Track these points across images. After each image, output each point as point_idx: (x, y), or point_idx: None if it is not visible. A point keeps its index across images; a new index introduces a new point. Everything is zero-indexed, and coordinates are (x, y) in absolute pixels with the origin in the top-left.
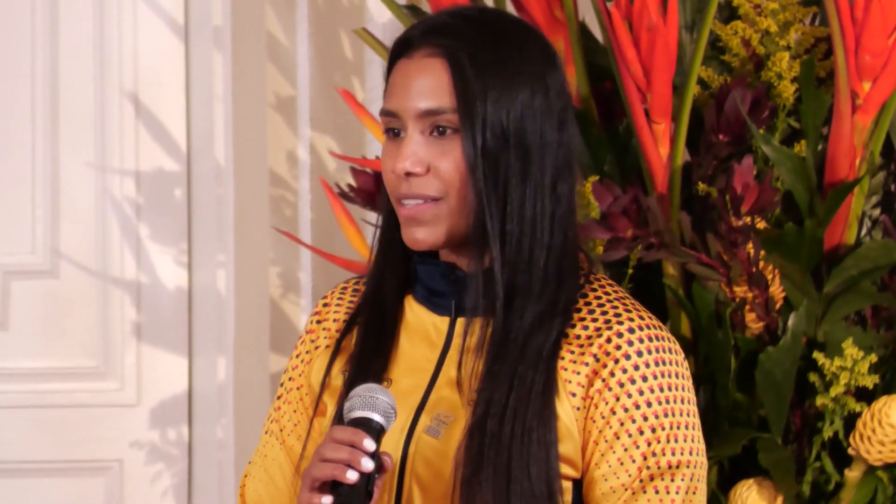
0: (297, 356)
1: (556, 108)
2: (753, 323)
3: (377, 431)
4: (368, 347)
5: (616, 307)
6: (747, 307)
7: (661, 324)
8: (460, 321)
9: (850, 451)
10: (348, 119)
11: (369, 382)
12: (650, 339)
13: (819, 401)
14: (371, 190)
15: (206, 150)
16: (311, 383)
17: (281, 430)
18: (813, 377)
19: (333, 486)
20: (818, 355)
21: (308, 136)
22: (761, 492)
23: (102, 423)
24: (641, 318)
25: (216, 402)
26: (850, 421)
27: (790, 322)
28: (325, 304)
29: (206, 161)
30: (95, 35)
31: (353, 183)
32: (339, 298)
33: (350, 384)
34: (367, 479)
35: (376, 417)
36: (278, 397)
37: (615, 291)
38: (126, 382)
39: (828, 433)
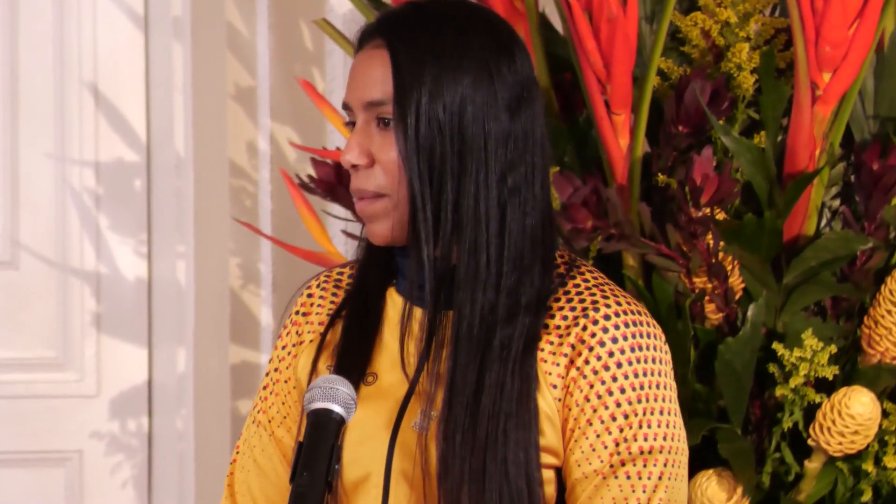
0: (283, 348)
1: (506, 98)
2: (713, 314)
3: (337, 423)
4: (352, 342)
5: (594, 294)
6: (707, 298)
7: (642, 309)
8: (415, 311)
9: (809, 441)
10: (308, 109)
11: (350, 377)
12: (626, 325)
13: (778, 391)
14: (331, 181)
15: (166, 141)
16: (299, 377)
17: (270, 422)
18: (772, 368)
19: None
20: (777, 346)
21: (268, 126)
22: (721, 482)
23: (62, 414)
24: (619, 303)
25: (176, 394)
26: (810, 412)
27: (749, 313)
28: (309, 296)
29: (166, 152)
30: (55, 25)
31: (313, 174)
32: (323, 290)
33: None
34: (326, 471)
35: (336, 408)
36: (264, 387)
37: (595, 278)
38: (86, 373)
39: (787, 424)
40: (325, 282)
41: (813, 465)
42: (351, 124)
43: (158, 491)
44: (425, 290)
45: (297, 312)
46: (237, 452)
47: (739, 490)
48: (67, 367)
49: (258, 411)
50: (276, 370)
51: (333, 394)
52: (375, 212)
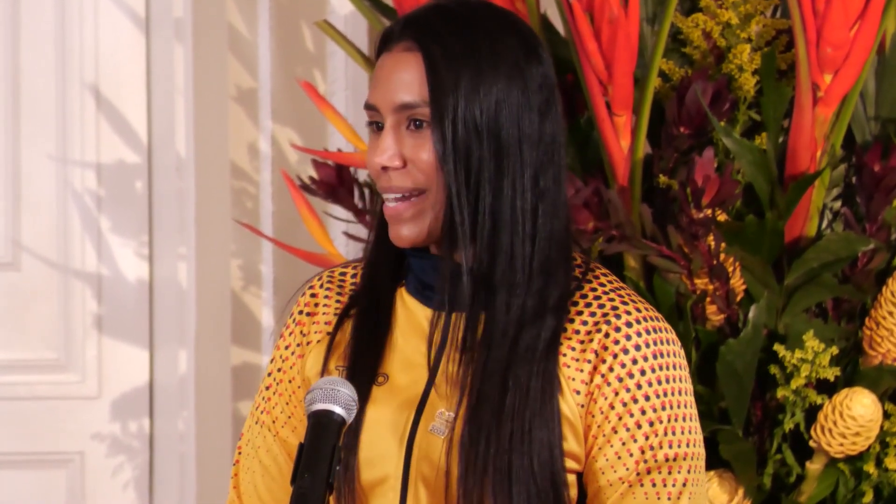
0: (287, 347)
1: (536, 100)
2: (714, 315)
3: (338, 424)
4: (362, 342)
5: (613, 299)
6: (708, 299)
7: (658, 314)
8: (443, 315)
9: (811, 443)
10: (310, 111)
11: (362, 378)
12: (647, 332)
13: (780, 393)
14: (332, 182)
15: (168, 143)
16: (307, 377)
17: (274, 422)
18: (774, 369)
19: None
20: (779, 347)
21: (269, 128)
22: (722, 484)
23: (63, 416)
24: (638, 310)
25: (177, 395)
26: (812, 413)
27: (751, 314)
28: (313, 296)
29: (167, 153)
30: (56, 27)
31: (314, 175)
32: (328, 290)
33: (346, 380)
34: (327, 472)
35: (337, 410)
36: (266, 387)
37: (610, 282)
38: (87, 375)
39: (789, 425)
40: (329, 282)
41: (814, 466)
42: (373, 124)
43: (160, 492)
44: (455, 293)
45: (300, 312)
46: (239, 453)
47: (741, 491)
48: (69, 368)
49: (261, 412)
50: (279, 370)
51: (335, 395)
52: (409, 213)
